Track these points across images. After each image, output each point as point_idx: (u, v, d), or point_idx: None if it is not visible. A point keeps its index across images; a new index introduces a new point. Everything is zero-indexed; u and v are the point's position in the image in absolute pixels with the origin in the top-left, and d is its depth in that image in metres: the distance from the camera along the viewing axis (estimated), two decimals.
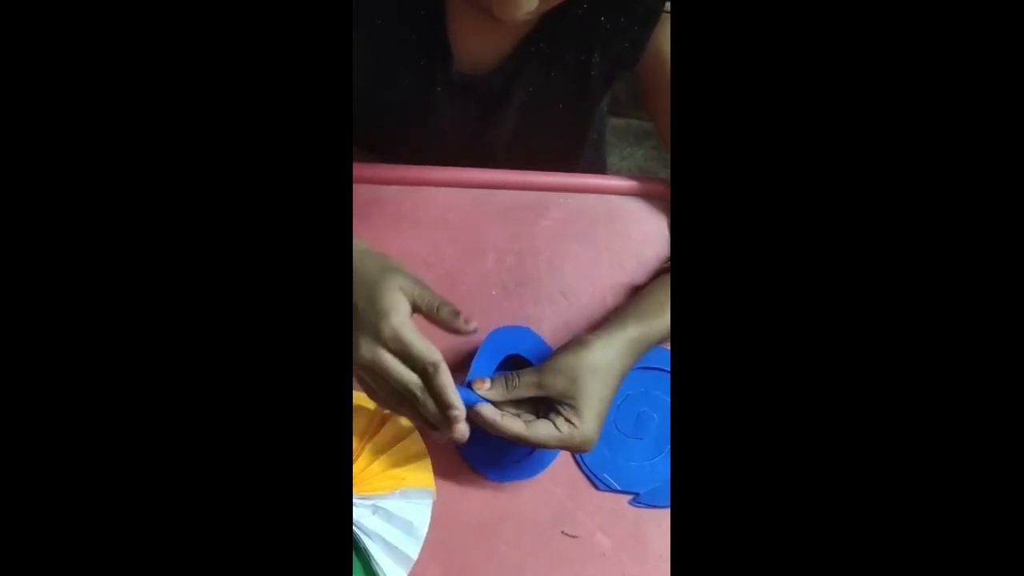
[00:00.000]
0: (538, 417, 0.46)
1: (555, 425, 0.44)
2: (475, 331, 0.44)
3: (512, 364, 0.52)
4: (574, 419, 0.44)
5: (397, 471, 0.48)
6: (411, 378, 0.42)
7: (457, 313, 0.44)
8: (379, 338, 0.42)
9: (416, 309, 0.44)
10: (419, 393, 0.42)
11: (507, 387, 0.46)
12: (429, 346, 0.42)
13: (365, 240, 0.48)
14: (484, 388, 0.45)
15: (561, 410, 0.45)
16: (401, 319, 0.42)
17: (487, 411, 0.44)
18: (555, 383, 0.45)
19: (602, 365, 0.45)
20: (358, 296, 0.43)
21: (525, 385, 0.45)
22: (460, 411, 0.43)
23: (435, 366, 0.42)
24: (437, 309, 0.44)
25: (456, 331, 0.44)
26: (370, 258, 0.46)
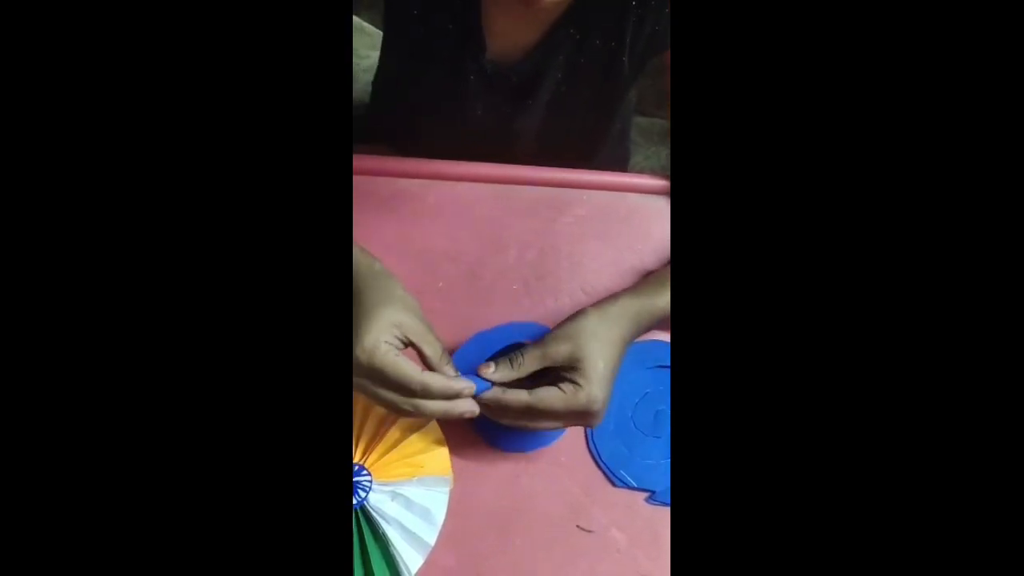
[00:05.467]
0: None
1: (559, 388, 0.44)
2: (468, 394, 0.45)
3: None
4: (579, 380, 0.44)
5: (416, 458, 0.49)
6: (395, 398, 0.43)
7: (456, 375, 0.45)
8: (360, 370, 0.42)
9: (412, 347, 0.44)
10: (409, 408, 0.43)
11: (512, 366, 0.45)
12: (407, 370, 0.42)
13: (379, 261, 0.47)
14: (489, 371, 0.45)
15: (565, 375, 0.45)
16: (375, 348, 0.42)
17: (488, 394, 0.45)
18: (558, 349, 0.45)
19: (599, 330, 0.46)
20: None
21: (530, 358, 0.45)
22: (470, 388, 0.44)
23: (421, 385, 0.42)
24: (439, 359, 0.45)
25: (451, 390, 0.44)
26: (379, 284, 0.45)
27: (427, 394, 0.43)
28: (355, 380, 0.43)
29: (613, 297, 0.49)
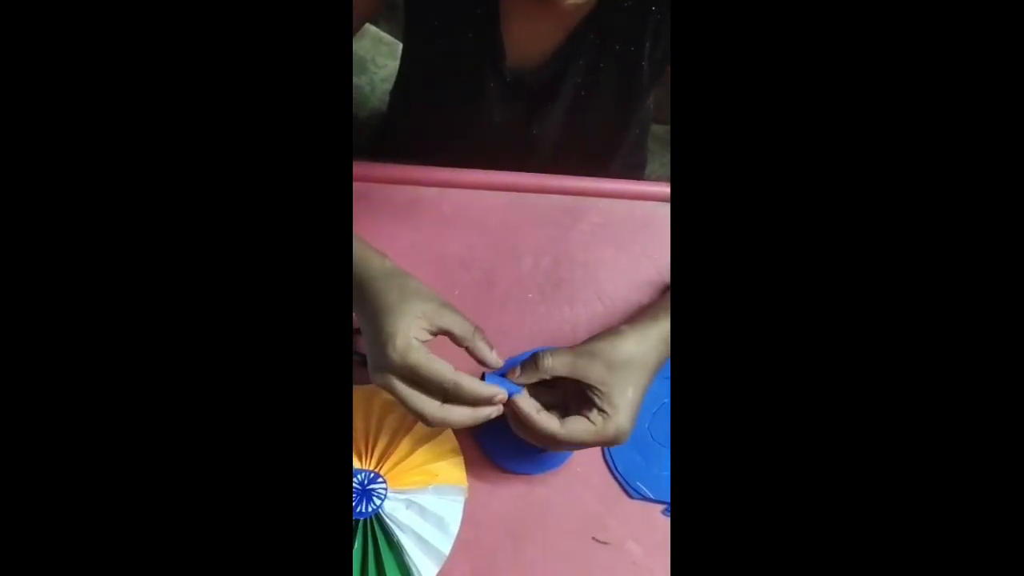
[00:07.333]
0: (564, 407, 0.45)
1: (588, 419, 0.43)
2: (500, 366, 0.44)
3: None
4: (608, 409, 0.43)
5: (431, 467, 0.48)
6: (423, 404, 0.42)
7: (491, 347, 0.44)
8: (387, 366, 0.41)
9: (442, 334, 0.44)
10: (436, 412, 0.42)
11: (539, 366, 0.44)
12: (441, 367, 0.41)
13: (391, 258, 0.47)
14: (516, 376, 0.45)
15: (594, 399, 0.43)
16: (408, 346, 0.41)
17: (523, 402, 0.44)
18: (590, 368, 0.44)
19: (636, 356, 0.44)
20: (373, 323, 0.43)
21: (559, 363, 0.44)
22: (501, 395, 0.43)
23: (454, 383, 0.41)
24: (472, 337, 0.44)
25: (484, 363, 0.44)
26: (394, 282, 0.44)
27: (458, 392, 0.42)
28: (386, 380, 0.42)
29: (652, 316, 0.47)
